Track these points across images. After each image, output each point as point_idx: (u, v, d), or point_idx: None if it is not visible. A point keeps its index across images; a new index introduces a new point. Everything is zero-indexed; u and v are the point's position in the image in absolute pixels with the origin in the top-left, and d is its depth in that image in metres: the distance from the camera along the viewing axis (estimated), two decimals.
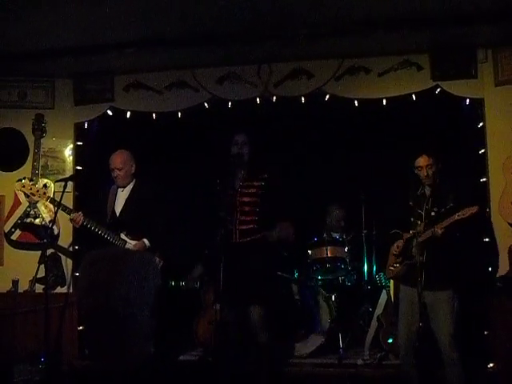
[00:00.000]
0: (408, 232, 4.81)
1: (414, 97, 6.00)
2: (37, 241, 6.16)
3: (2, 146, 6.40)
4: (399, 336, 4.95)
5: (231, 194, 5.13)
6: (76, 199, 6.30)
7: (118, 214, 5.43)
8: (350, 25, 5.38)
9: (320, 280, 6.59)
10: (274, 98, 6.26)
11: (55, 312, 5.26)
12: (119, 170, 5.43)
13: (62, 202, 5.21)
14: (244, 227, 5.06)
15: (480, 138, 5.86)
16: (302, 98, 6.23)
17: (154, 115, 6.43)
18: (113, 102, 6.40)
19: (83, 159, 6.49)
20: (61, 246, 6.28)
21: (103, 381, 4.97)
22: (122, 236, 5.34)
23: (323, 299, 6.23)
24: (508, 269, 5.50)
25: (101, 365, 5.00)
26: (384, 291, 6.06)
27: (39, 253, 5.79)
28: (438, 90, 5.92)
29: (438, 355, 4.68)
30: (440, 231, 4.54)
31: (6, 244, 6.25)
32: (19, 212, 6.16)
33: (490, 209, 5.69)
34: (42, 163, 6.35)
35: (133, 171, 5.51)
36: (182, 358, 6.11)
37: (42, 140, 6.37)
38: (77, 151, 6.46)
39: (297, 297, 6.23)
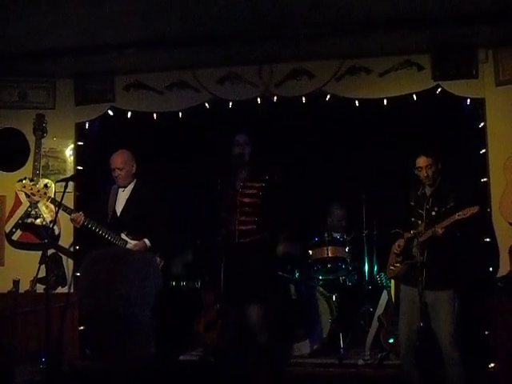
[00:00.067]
0: (409, 232, 4.81)
1: (414, 97, 6.00)
2: (38, 241, 6.16)
3: (3, 146, 6.40)
4: (400, 336, 4.95)
5: (232, 195, 5.13)
6: (77, 199, 6.29)
7: (118, 214, 5.43)
8: (350, 25, 5.38)
9: (321, 280, 6.60)
10: (275, 98, 6.26)
11: (56, 312, 5.26)
12: (120, 169, 5.43)
13: (63, 202, 5.21)
14: (244, 228, 5.06)
15: (481, 138, 5.86)
16: (303, 98, 6.23)
17: (154, 115, 6.44)
18: (113, 102, 6.41)
19: (84, 159, 6.49)
20: (62, 246, 6.28)
21: (104, 381, 4.97)
22: (123, 236, 5.34)
23: (324, 299, 6.21)
24: (509, 269, 5.50)
25: (102, 365, 5.00)
26: (385, 291, 6.06)
27: (40, 253, 5.79)
28: (439, 90, 5.92)
29: (438, 355, 4.67)
30: (440, 231, 4.54)
31: (6, 244, 6.26)
32: (20, 212, 6.17)
33: (490, 209, 5.69)
34: (42, 163, 6.36)
35: (133, 171, 5.51)
36: (182, 358, 6.11)
37: (42, 140, 6.37)
38: (77, 151, 6.47)
39: (294, 297, 6.21)
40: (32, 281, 6.01)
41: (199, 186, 6.27)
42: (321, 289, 6.35)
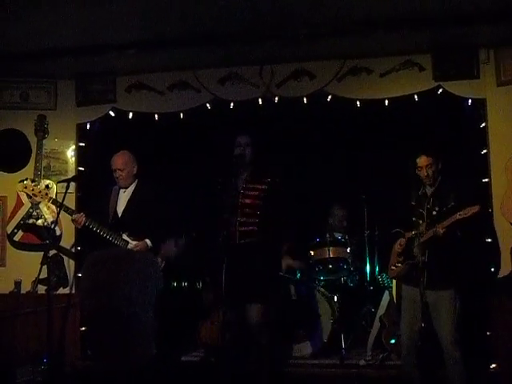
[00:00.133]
0: (410, 231, 4.81)
1: (416, 97, 6.01)
2: (39, 242, 6.17)
3: (5, 147, 6.41)
4: (401, 336, 4.95)
5: (233, 195, 5.12)
6: (78, 200, 6.29)
7: (119, 215, 5.43)
8: (351, 25, 5.39)
9: (322, 281, 6.60)
10: (276, 98, 6.27)
11: (57, 313, 5.25)
12: (121, 170, 5.43)
13: (65, 202, 5.21)
14: (244, 229, 5.05)
15: (482, 138, 5.87)
16: (304, 99, 6.24)
17: (156, 116, 6.45)
18: (115, 102, 6.41)
19: (85, 160, 6.51)
20: (63, 247, 6.29)
21: (105, 381, 4.99)
22: (124, 237, 5.34)
23: (325, 300, 6.21)
24: (510, 269, 5.49)
25: (103, 365, 5.01)
26: (386, 292, 6.06)
27: (41, 254, 5.75)
28: (440, 90, 5.93)
29: (439, 355, 4.67)
30: (442, 231, 4.54)
31: (8, 245, 6.27)
32: (21, 213, 6.18)
33: (492, 209, 5.68)
34: (44, 164, 6.36)
35: (134, 172, 5.51)
36: (184, 358, 6.11)
37: (44, 141, 6.37)
38: (79, 152, 6.48)
39: (294, 297, 6.21)
40: (33, 282, 6.01)
41: (200, 187, 6.27)
42: (322, 289, 6.34)
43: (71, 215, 5.40)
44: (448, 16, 5.25)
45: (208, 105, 6.36)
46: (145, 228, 5.33)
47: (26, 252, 6.22)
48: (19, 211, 6.18)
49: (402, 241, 4.84)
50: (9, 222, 6.20)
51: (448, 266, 4.68)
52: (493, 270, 5.62)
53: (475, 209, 4.43)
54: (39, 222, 6.16)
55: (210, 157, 6.55)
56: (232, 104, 6.35)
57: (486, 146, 5.83)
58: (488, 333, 5.43)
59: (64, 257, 6.29)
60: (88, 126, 6.53)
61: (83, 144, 6.51)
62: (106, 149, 5.95)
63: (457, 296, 4.69)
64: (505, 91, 5.79)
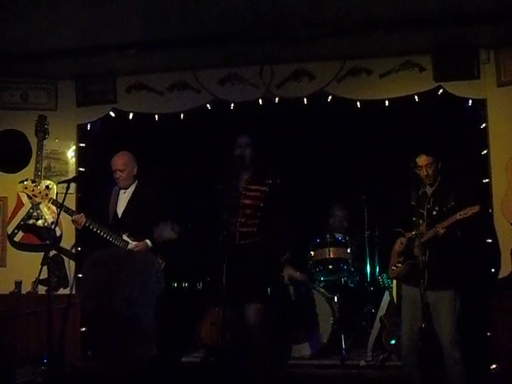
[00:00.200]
0: (410, 231, 4.81)
1: (416, 98, 6.00)
2: (39, 242, 6.17)
3: (5, 148, 6.41)
4: (401, 336, 4.95)
5: (234, 196, 5.12)
6: (78, 200, 6.30)
7: (119, 216, 5.43)
8: (351, 25, 5.39)
9: (323, 281, 6.60)
10: (277, 99, 6.27)
11: (58, 313, 5.25)
12: (121, 171, 5.43)
13: (65, 203, 5.22)
14: (245, 229, 5.05)
15: (482, 138, 5.87)
16: (305, 99, 6.25)
17: (156, 117, 6.45)
18: (115, 103, 6.42)
19: (86, 161, 6.51)
20: (63, 248, 6.29)
21: (106, 382, 4.99)
22: (124, 237, 5.35)
23: (326, 300, 6.21)
24: (511, 269, 5.49)
25: (104, 366, 5.02)
26: (387, 292, 6.06)
27: (42, 254, 5.76)
28: (441, 90, 5.93)
29: (440, 355, 4.67)
30: (442, 230, 4.54)
31: (8, 245, 6.28)
32: (22, 213, 6.18)
33: (492, 210, 5.68)
34: (44, 165, 6.36)
35: (135, 173, 5.51)
36: (184, 359, 6.11)
37: (44, 141, 6.37)
38: (79, 153, 6.48)
39: (293, 298, 6.20)
40: (34, 282, 6.00)
41: (200, 187, 6.27)
42: (322, 290, 6.34)
43: (71, 216, 5.41)
44: (448, 16, 5.25)
45: (208, 105, 6.36)
46: (145, 228, 5.33)
47: (27, 252, 6.22)
48: (19, 212, 6.18)
49: (403, 240, 4.83)
50: (9, 222, 6.20)
51: (448, 266, 4.68)
52: (493, 270, 5.62)
53: (475, 209, 4.43)
54: (39, 222, 6.16)
55: (210, 157, 6.55)
56: (232, 104, 6.35)
57: (486, 146, 5.84)
58: (488, 333, 5.43)
59: (64, 257, 6.29)
60: (88, 127, 6.54)
61: (83, 144, 6.51)
62: (107, 149, 5.95)
63: (457, 296, 4.69)
64: (505, 92, 5.79)
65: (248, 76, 6.20)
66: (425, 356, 4.72)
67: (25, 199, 6.14)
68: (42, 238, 6.15)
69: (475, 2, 5.04)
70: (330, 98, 6.20)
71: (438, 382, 4.86)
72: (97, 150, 6.53)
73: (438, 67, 5.89)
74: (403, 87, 5.98)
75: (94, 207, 5.66)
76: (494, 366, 5.30)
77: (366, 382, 5.48)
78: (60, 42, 5.65)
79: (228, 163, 5.13)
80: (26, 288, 6.12)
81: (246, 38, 5.59)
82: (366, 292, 6.59)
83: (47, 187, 6.00)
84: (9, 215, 6.25)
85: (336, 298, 6.41)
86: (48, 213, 6.17)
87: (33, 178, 6.18)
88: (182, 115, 6.42)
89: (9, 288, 6.11)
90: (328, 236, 6.51)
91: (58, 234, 6.16)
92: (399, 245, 4.85)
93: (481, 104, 5.90)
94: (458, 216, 4.46)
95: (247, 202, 5.08)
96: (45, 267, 5.50)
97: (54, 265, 6.11)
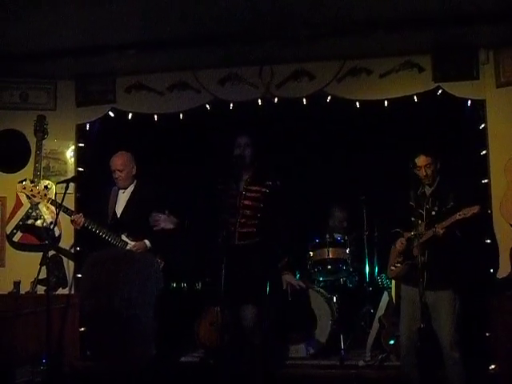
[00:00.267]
0: (409, 231, 4.81)
1: (415, 98, 6.00)
2: (38, 242, 6.16)
3: (4, 148, 6.40)
4: (400, 336, 4.96)
5: (234, 196, 5.13)
6: (77, 201, 6.29)
7: (118, 216, 5.43)
8: (351, 25, 5.38)
9: (321, 281, 6.60)
10: (276, 99, 6.27)
11: (57, 313, 5.27)
12: (120, 171, 5.43)
13: (64, 203, 5.22)
14: (244, 230, 5.06)
15: (481, 139, 5.87)
16: (304, 100, 6.24)
17: (155, 117, 6.45)
18: (114, 103, 6.41)
19: (85, 161, 6.50)
20: (62, 248, 6.29)
21: (105, 382, 4.99)
22: (123, 237, 5.35)
23: (325, 300, 6.21)
24: (510, 270, 5.49)
25: (103, 366, 5.02)
26: (385, 292, 6.06)
27: (41, 254, 5.78)
28: (440, 91, 5.93)
29: (439, 355, 4.67)
30: (441, 231, 4.54)
31: (7, 245, 6.26)
32: (21, 213, 6.17)
33: (491, 210, 5.68)
34: (43, 164, 6.36)
35: (134, 173, 5.51)
36: (183, 359, 6.12)
37: (43, 141, 6.37)
38: (78, 152, 6.48)
39: (289, 298, 6.19)
40: (33, 282, 6.00)
41: (200, 188, 6.26)
42: (321, 290, 6.34)
43: (70, 216, 5.40)
44: (448, 16, 5.24)
45: (208, 105, 6.36)
46: (144, 228, 5.32)
47: (26, 252, 6.22)
48: (18, 212, 6.17)
49: (403, 240, 4.84)
50: (8, 222, 6.19)
51: (447, 267, 4.68)
52: (492, 270, 5.63)
53: (475, 209, 4.43)
54: (38, 222, 6.15)
55: (209, 157, 6.56)
56: (232, 105, 6.34)
57: (485, 146, 5.83)
58: (487, 333, 5.44)
59: (63, 257, 6.29)
60: (87, 127, 6.52)
61: (83, 144, 6.50)
62: (106, 149, 5.94)
63: (456, 296, 4.69)
64: (504, 92, 5.79)
65: (248, 76, 6.20)
66: (424, 356, 4.72)
67: (24, 199, 6.13)
68: (40, 238, 6.15)
69: (475, 2, 5.04)
70: (329, 98, 6.20)
71: (437, 382, 4.86)
72: (96, 150, 6.52)
73: (438, 68, 5.89)
74: (403, 87, 5.98)
75: (93, 207, 5.66)
76: (493, 366, 5.31)
77: (365, 382, 5.49)
78: (60, 42, 5.64)
79: (228, 163, 5.14)
80: (24, 288, 6.12)
81: (246, 38, 5.58)
82: (364, 292, 6.58)
83: (46, 187, 6.00)
84: (7, 215, 6.24)
85: (335, 298, 6.42)
86: (47, 213, 6.16)
87: (32, 177, 6.18)
88: (181, 115, 6.41)
89: (7, 288, 6.10)
90: (327, 236, 6.52)
91: (57, 234, 6.15)
92: (400, 244, 4.85)
93: (480, 105, 5.89)
94: (457, 216, 4.47)
95: (247, 202, 5.09)
96: (44, 267, 5.51)
97: (52, 265, 6.10)
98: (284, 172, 5.76)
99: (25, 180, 6.02)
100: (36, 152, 6.33)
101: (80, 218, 5.33)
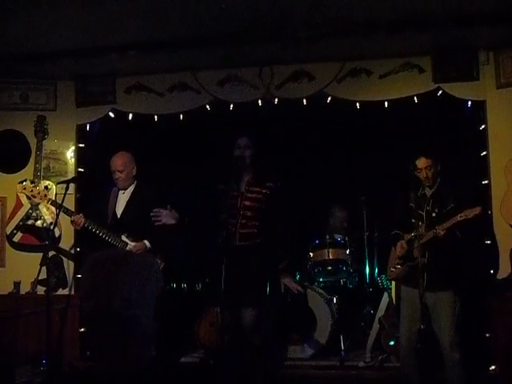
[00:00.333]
0: (409, 233, 4.81)
1: (415, 99, 6.00)
2: (38, 243, 6.16)
3: (4, 148, 6.40)
4: (400, 337, 4.95)
5: (235, 197, 5.14)
6: (77, 201, 6.29)
7: (118, 216, 5.43)
8: (351, 25, 5.38)
9: (321, 282, 6.60)
10: (276, 100, 6.27)
11: (57, 314, 5.26)
12: (120, 172, 5.43)
13: (64, 203, 5.21)
14: (245, 231, 5.07)
15: (482, 140, 5.87)
16: (304, 100, 6.24)
17: (155, 117, 6.45)
18: (115, 104, 6.41)
19: (85, 161, 6.50)
20: (62, 248, 6.29)
21: (105, 382, 4.99)
22: (123, 238, 5.35)
23: (325, 301, 6.20)
24: (510, 271, 5.49)
25: (103, 366, 5.02)
26: (386, 293, 6.06)
27: (41, 255, 5.79)
28: (440, 92, 5.93)
29: (439, 356, 4.67)
30: (442, 232, 4.54)
31: (7, 246, 6.26)
32: (21, 214, 6.17)
33: (491, 211, 5.68)
34: (43, 165, 6.36)
35: (134, 173, 5.51)
36: (183, 359, 6.12)
37: (43, 142, 6.37)
38: (78, 153, 6.48)
39: (289, 299, 6.18)
40: (33, 282, 6.01)
41: (200, 188, 6.26)
42: (321, 291, 6.34)
43: (70, 216, 5.40)
44: (448, 17, 5.24)
45: (208, 106, 6.36)
46: (144, 229, 5.33)
47: (26, 253, 6.22)
48: (19, 212, 6.17)
49: (403, 243, 4.84)
50: (8, 222, 6.19)
51: (448, 268, 4.68)
52: (492, 271, 5.62)
53: (477, 210, 4.43)
54: (38, 223, 6.15)
55: (209, 158, 6.56)
56: (231, 105, 6.34)
57: (485, 147, 5.84)
58: (487, 334, 5.44)
59: (63, 258, 6.29)
60: (88, 127, 6.53)
61: (83, 145, 6.50)
62: (106, 150, 5.93)
63: (456, 298, 4.69)
64: (504, 93, 5.79)
65: (248, 77, 6.20)
66: (424, 357, 4.72)
67: (24, 200, 6.13)
68: (40, 239, 6.15)
69: (475, 3, 5.04)
70: (329, 98, 6.20)
71: (436, 383, 4.86)
72: (96, 150, 6.52)
73: (438, 68, 5.89)
74: (403, 88, 5.98)
75: (93, 208, 5.66)
76: (493, 367, 5.31)
77: (365, 383, 5.50)
78: (60, 43, 5.63)
79: (228, 164, 5.14)
80: (24, 288, 6.12)
81: (246, 39, 5.58)
82: (364, 293, 6.58)
83: (46, 188, 6.00)
84: (8, 216, 6.23)
85: (335, 299, 6.42)
86: (47, 213, 6.16)
87: (32, 178, 6.17)
88: (181, 116, 6.42)
89: (8, 288, 6.11)
90: (328, 237, 6.53)
91: (57, 234, 6.16)
92: (400, 249, 4.85)
93: (480, 105, 5.90)
94: (458, 218, 4.47)
95: (248, 203, 5.09)
96: (44, 268, 5.52)
97: (52, 265, 6.11)
98: (284, 173, 5.76)
99: (25, 180, 6.01)
100: (36, 152, 6.33)
101: (80, 219, 5.33)
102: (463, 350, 4.65)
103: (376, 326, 6.03)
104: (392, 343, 5.74)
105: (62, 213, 5.31)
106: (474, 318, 5.33)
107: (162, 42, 5.63)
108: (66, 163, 6.45)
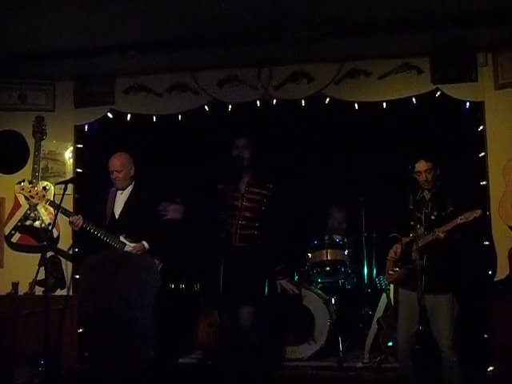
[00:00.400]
0: (407, 236, 4.81)
1: (414, 100, 6.01)
2: (37, 243, 6.16)
3: (2, 149, 6.39)
4: (398, 339, 4.95)
5: (235, 198, 5.14)
6: (76, 202, 6.29)
7: (117, 217, 5.43)
8: (351, 25, 5.38)
9: (320, 283, 6.59)
10: (275, 100, 6.27)
11: (55, 314, 5.26)
12: (118, 172, 5.43)
13: (62, 204, 5.20)
14: (245, 232, 5.07)
15: (480, 141, 5.88)
16: (302, 101, 6.23)
17: (154, 118, 6.44)
18: (113, 104, 6.41)
19: (83, 162, 6.50)
20: (61, 249, 6.28)
21: None
22: (122, 238, 5.34)
23: (323, 302, 6.20)
24: (508, 272, 5.50)
25: (101, 367, 5.01)
26: (384, 294, 6.05)
27: (39, 255, 5.78)
28: (438, 93, 5.94)
29: (437, 358, 4.68)
30: (442, 235, 4.54)
31: (6, 246, 6.26)
32: (19, 214, 6.16)
33: (489, 212, 5.69)
34: (42, 165, 6.35)
35: (132, 173, 5.51)
36: (181, 360, 6.11)
37: (42, 142, 6.36)
38: (77, 154, 6.47)
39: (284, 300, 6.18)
40: (31, 283, 6.01)
41: (198, 189, 6.26)
42: (319, 292, 6.34)
43: (69, 217, 5.40)
44: (447, 18, 5.24)
45: (206, 107, 6.36)
46: (142, 230, 5.33)
47: (24, 253, 6.21)
48: (17, 213, 6.17)
49: (398, 247, 4.84)
50: (6, 223, 6.18)
51: (446, 270, 4.69)
52: (490, 272, 5.63)
53: (477, 213, 4.43)
54: (37, 223, 6.15)
55: (207, 159, 6.56)
56: (230, 106, 6.34)
57: (483, 148, 5.84)
58: (485, 335, 5.44)
59: (62, 258, 6.28)
60: (86, 128, 6.52)
61: (81, 145, 6.50)
62: (104, 150, 5.93)
63: (455, 300, 4.70)
64: (503, 94, 5.80)
65: (246, 78, 6.20)
66: (422, 358, 4.72)
67: (22, 200, 6.12)
68: (39, 239, 6.14)
69: (474, 4, 5.04)
70: (327, 99, 6.20)
71: None
72: (94, 151, 6.51)
73: (436, 70, 5.90)
74: (401, 89, 5.99)
75: (92, 208, 5.66)
76: (491, 368, 5.31)
77: (363, 383, 5.49)
78: (59, 43, 5.62)
79: (226, 164, 5.14)
80: (23, 289, 6.11)
81: (246, 39, 5.57)
82: (363, 294, 6.57)
83: (44, 188, 6.00)
84: (6, 216, 6.22)
85: (333, 299, 6.42)
86: (45, 214, 6.16)
87: (30, 178, 6.17)
88: (180, 116, 6.42)
89: (6, 289, 6.10)
90: (327, 237, 6.52)
91: (56, 235, 6.14)
92: (393, 255, 4.87)
93: (478, 106, 5.91)
94: (458, 220, 4.47)
95: (249, 204, 5.10)
96: (42, 268, 5.51)
97: (51, 266, 6.10)
98: (283, 173, 5.77)
99: (23, 181, 6.00)
100: (34, 153, 6.32)
101: (78, 220, 5.32)
102: (462, 350, 4.65)
103: (374, 326, 6.02)
104: (390, 344, 5.74)
105: (60, 213, 5.31)
106: (473, 318, 5.32)
107: (161, 41, 5.62)
108: (64, 164, 6.44)
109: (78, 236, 6.03)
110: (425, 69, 5.93)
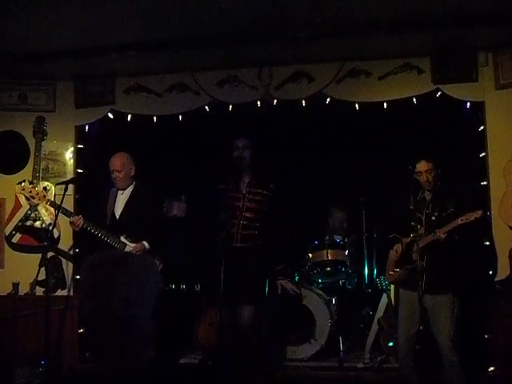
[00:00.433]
0: (407, 236, 4.81)
1: (414, 100, 6.00)
2: (37, 244, 6.15)
3: (3, 149, 6.39)
4: (398, 339, 4.95)
5: (236, 198, 5.14)
6: (76, 202, 6.29)
7: (117, 217, 5.42)
8: (351, 25, 5.37)
9: (320, 283, 6.60)
10: (275, 101, 6.26)
11: (56, 315, 5.27)
12: (119, 172, 5.43)
13: (63, 204, 5.21)
14: (246, 232, 5.08)
15: (480, 141, 5.87)
16: (303, 101, 6.23)
17: (154, 118, 6.44)
18: (114, 104, 6.40)
19: (84, 162, 6.50)
20: (61, 249, 6.27)
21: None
22: (122, 239, 5.34)
23: (324, 302, 6.20)
24: (508, 272, 5.49)
25: (102, 367, 5.02)
26: (384, 294, 6.05)
27: (40, 256, 5.78)
28: (439, 93, 5.93)
29: (437, 358, 4.67)
30: (443, 235, 4.54)
31: (6, 247, 6.25)
32: (20, 215, 6.16)
33: (490, 212, 5.69)
34: (42, 166, 6.35)
35: (132, 173, 5.51)
36: (182, 361, 6.11)
37: (42, 143, 6.36)
38: (77, 154, 6.47)
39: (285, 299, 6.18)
40: (32, 283, 6.01)
41: (199, 189, 6.27)
42: (320, 292, 6.34)
43: (69, 217, 5.40)
44: (447, 18, 5.24)
45: (207, 107, 6.35)
46: (142, 230, 5.33)
47: (24, 254, 6.20)
48: (17, 213, 6.16)
49: (398, 247, 4.84)
50: (7, 223, 6.18)
51: (447, 271, 4.68)
52: (490, 273, 5.63)
53: (478, 214, 4.43)
54: (37, 223, 6.14)
55: (208, 159, 6.56)
56: (230, 106, 6.34)
57: (484, 148, 5.84)
58: (486, 335, 5.44)
59: (62, 259, 6.28)
60: (87, 128, 6.52)
61: (82, 146, 6.49)
62: (105, 151, 5.93)
63: (455, 300, 4.69)
64: (503, 94, 5.79)
65: (247, 78, 6.19)
66: (422, 358, 4.72)
67: (23, 200, 6.12)
68: (39, 240, 6.14)
69: (474, 4, 5.04)
70: (328, 99, 6.19)
71: None
72: (95, 151, 6.52)
73: (437, 70, 5.89)
74: (402, 89, 5.98)
75: (92, 209, 5.66)
76: (491, 368, 5.31)
77: (364, 383, 5.49)
78: (60, 43, 5.62)
79: (227, 165, 5.14)
80: (23, 289, 6.11)
81: (246, 39, 5.57)
82: (363, 294, 6.59)
83: (45, 188, 6.00)
84: (6, 217, 6.22)
85: (334, 300, 6.42)
86: (46, 214, 6.16)
87: (31, 179, 6.17)
88: (180, 117, 6.41)
89: (6, 289, 6.10)
90: (327, 237, 6.52)
91: (56, 235, 6.14)
92: (394, 254, 4.87)
93: (479, 107, 5.90)
94: (459, 221, 4.46)
95: (250, 205, 5.11)
96: (43, 268, 5.52)
97: (51, 266, 6.10)
98: (283, 174, 5.77)
99: (24, 181, 6.00)
100: (35, 153, 6.32)
101: (79, 220, 5.32)
102: (462, 351, 4.64)
103: (375, 326, 6.03)
104: (391, 344, 5.75)
105: (60, 214, 5.32)
106: (473, 319, 5.32)
107: (161, 41, 5.62)
108: (64, 164, 6.44)
109: (79, 236, 6.03)
110: (425, 69, 5.93)
